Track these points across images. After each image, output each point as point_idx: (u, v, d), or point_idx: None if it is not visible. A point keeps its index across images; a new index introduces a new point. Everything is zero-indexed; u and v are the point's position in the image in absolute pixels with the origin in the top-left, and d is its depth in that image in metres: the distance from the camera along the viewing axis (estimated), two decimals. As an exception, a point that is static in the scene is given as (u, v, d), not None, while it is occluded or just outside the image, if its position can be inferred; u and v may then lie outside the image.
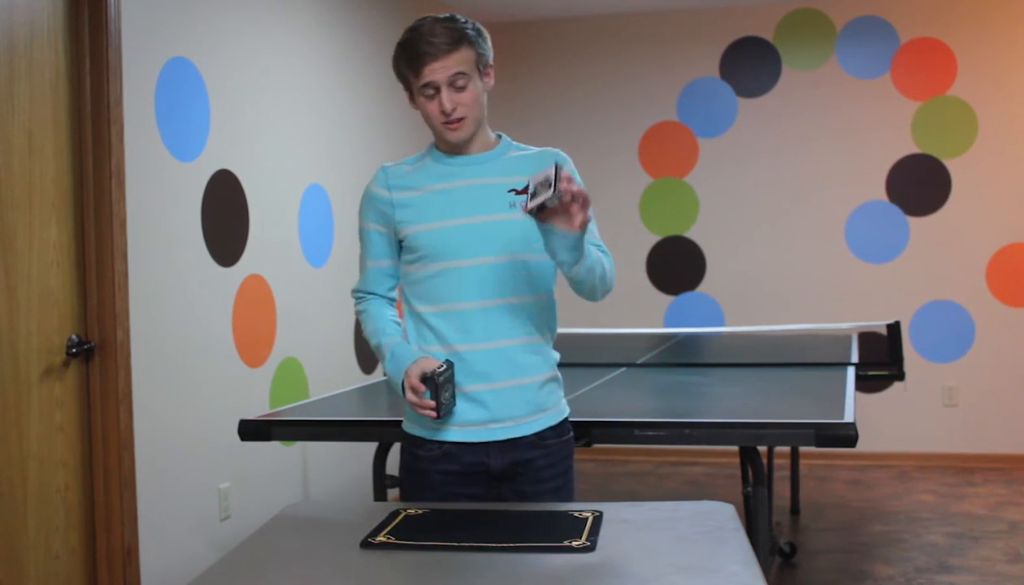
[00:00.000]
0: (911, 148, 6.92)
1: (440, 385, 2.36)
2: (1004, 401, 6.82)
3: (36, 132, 3.38)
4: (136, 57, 3.76)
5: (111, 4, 3.60)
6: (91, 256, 3.58)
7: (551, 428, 2.53)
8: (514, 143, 2.58)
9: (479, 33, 2.47)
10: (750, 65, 7.16)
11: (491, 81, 2.51)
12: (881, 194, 6.97)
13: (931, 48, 6.88)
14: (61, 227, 3.49)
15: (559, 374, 2.60)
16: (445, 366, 2.38)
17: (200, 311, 4.14)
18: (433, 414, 2.37)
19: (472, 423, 2.46)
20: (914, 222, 6.93)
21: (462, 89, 2.42)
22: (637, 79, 7.33)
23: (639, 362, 4.75)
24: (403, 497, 2.56)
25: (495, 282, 2.45)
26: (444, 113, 2.42)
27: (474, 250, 2.44)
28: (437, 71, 2.39)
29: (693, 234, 7.28)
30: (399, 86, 2.53)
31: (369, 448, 3.72)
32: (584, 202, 2.24)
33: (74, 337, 3.52)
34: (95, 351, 3.59)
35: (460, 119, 2.43)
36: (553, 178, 2.21)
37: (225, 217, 4.32)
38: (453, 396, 2.42)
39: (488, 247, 2.45)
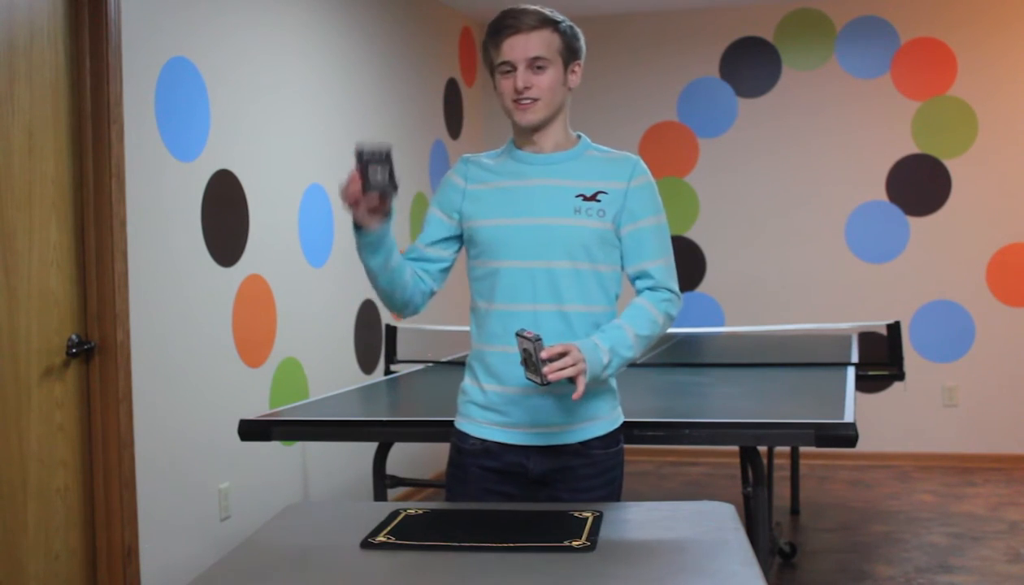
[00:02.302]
0: (911, 148, 6.92)
1: (368, 161, 2.23)
2: (1004, 401, 6.82)
3: (36, 132, 3.38)
4: (136, 57, 3.76)
5: (111, 4, 3.60)
6: (91, 256, 3.58)
7: (598, 438, 2.49)
8: (593, 144, 2.54)
9: (572, 28, 2.45)
10: (750, 65, 7.16)
11: (576, 80, 2.47)
12: (881, 194, 6.97)
13: (931, 48, 6.88)
14: (61, 227, 3.49)
15: (614, 385, 2.54)
16: (381, 148, 2.26)
17: (200, 311, 4.14)
18: (357, 192, 2.24)
19: (515, 425, 2.46)
20: (914, 222, 6.93)
21: (540, 71, 2.38)
22: (637, 79, 7.33)
23: (639, 362, 4.75)
24: (447, 491, 2.57)
25: (550, 287, 2.41)
26: (516, 90, 2.37)
27: (531, 252, 2.41)
28: (517, 48, 2.36)
29: (693, 234, 7.28)
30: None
31: (369, 448, 3.72)
32: (578, 373, 2.22)
33: (74, 337, 3.52)
34: (95, 351, 3.59)
35: (533, 100, 2.39)
36: (535, 356, 2.18)
37: (225, 217, 4.32)
38: (389, 180, 2.25)
39: (546, 251, 2.40)
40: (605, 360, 2.31)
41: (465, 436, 2.52)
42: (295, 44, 4.94)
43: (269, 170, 4.67)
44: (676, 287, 2.50)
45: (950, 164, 6.87)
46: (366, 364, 5.61)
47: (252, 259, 4.50)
